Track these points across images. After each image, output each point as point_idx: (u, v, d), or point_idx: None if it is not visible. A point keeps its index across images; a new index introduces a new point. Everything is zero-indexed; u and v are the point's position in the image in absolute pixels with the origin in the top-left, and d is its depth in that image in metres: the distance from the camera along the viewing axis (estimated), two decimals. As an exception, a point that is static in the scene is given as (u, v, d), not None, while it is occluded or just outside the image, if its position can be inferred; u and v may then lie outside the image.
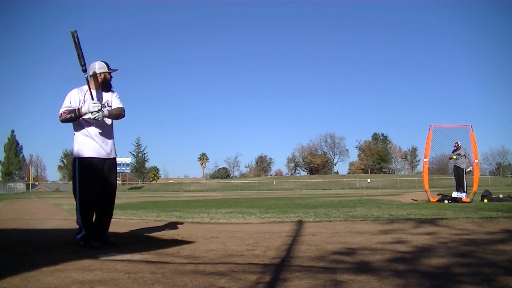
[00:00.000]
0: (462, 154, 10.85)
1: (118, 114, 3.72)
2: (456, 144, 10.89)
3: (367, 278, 2.22)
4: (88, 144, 3.59)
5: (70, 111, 3.48)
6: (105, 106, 3.65)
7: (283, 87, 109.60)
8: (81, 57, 3.48)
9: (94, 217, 3.71)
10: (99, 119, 3.52)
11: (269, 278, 2.26)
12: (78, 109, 3.50)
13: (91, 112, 3.46)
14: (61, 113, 3.48)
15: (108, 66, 3.72)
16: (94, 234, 3.57)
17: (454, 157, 10.91)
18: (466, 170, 10.78)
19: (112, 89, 3.80)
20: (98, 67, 3.67)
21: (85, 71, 3.55)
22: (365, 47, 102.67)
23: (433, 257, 2.81)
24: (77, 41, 3.45)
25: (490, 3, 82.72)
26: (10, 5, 77.71)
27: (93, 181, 3.59)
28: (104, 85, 3.71)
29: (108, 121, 3.72)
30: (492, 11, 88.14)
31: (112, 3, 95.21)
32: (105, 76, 3.69)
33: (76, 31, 3.45)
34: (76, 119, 3.52)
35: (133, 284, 2.15)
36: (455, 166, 11.07)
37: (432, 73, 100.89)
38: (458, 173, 10.90)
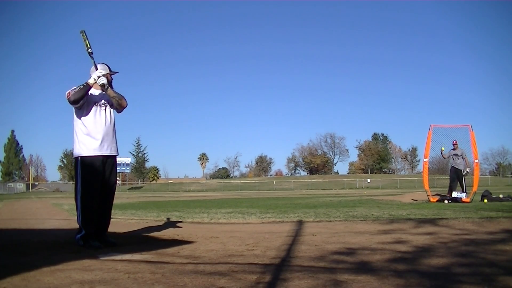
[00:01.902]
0: (459, 154, 10.58)
1: (120, 98, 3.75)
2: (455, 143, 10.65)
3: (367, 278, 2.22)
4: (89, 142, 3.60)
5: (77, 87, 3.54)
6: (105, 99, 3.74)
7: (282, 87, 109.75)
8: (89, 46, 3.72)
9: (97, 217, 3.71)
10: (105, 84, 3.63)
11: (269, 278, 2.26)
12: (86, 82, 3.59)
13: (98, 77, 3.60)
14: (68, 92, 3.52)
15: (109, 68, 3.78)
16: (94, 234, 3.57)
17: (443, 148, 10.69)
18: (464, 172, 10.55)
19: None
20: (100, 68, 3.72)
21: (91, 54, 3.73)
22: (365, 47, 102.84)
23: (433, 257, 2.81)
24: (85, 37, 3.71)
25: (490, 3, 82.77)
26: (10, 5, 77.79)
27: (95, 181, 3.60)
28: (107, 85, 3.73)
29: (109, 117, 3.73)
30: (492, 11, 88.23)
31: (112, 3, 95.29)
32: (106, 77, 3.72)
33: (84, 31, 3.74)
34: (85, 92, 3.56)
35: (133, 284, 2.14)
36: (452, 167, 10.81)
37: (432, 73, 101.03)
38: (457, 174, 10.64)
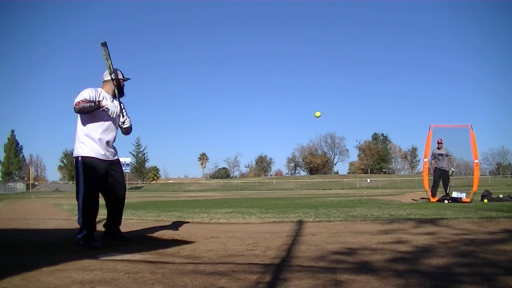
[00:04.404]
0: (444, 153, 10.28)
1: (128, 128, 3.90)
2: (439, 141, 10.29)
3: (367, 278, 2.22)
4: (89, 144, 3.61)
5: (89, 101, 3.51)
6: (123, 112, 3.84)
7: (283, 87, 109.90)
8: (111, 65, 3.71)
9: (108, 214, 3.85)
10: (113, 115, 3.69)
11: (269, 278, 2.26)
12: (98, 101, 3.57)
13: (110, 110, 3.63)
14: (78, 101, 3.48)
15: (122, 74, 3.86)
16: (93, 234, 3.60)
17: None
18: (450, 173, 10.23)
19: (123, 95, 3.91)
20: (105, 73, 3.78)
21: (112, 74, 3.74)
22: (365, 47, 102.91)
23: (433, 257, 2.81)
24: (107, 52, 3.64)
25: (490, 3, 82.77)
26: (10, 5, 77.77)
27: (97, 181, 3.62)
28: (117, 89, 3.79)
29: (113, 123, 3.76)
30: (492, 11, 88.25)
31: (112, 3, 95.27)
32: (119, 82, 3.78)
33: (105, 43, 3.64)
34: (93, 110, 3.54)
35: (133, 284, 2.14)
36: (436, 168, 10.39)
37: (432, 73, 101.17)
38: (442, 175, 10.27)
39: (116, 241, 3.75)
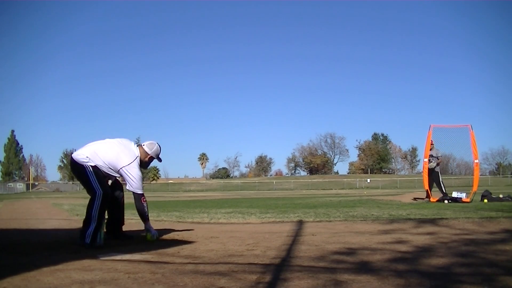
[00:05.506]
0: (434, 155, 10.33)
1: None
2: (431, 142, 10.28)
3: (367, 278, 2.21)
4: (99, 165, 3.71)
5: (147, 211, 3.90)
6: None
7: (283, 87, 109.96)
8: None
9: (108, 215, 3.92)
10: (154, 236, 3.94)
11: (269, 278, 2.26)
12: (148, 220, 3.94)
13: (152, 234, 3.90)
14: (143, 198, 3.83)
15: (158, 155, 4.02)
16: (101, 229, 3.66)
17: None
18: (433, 168, 10.24)
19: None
20: (154, 149, 3.97)
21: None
22: (365, 47, 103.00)
23: (433, 257, 2.81)
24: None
25: (490, 3, 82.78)
26: (10, 5, 77.77)
27: (105, 182, 3.74)
28: (144, 164, 3.97)
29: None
30: (492, 11, 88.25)
31: (112, 3, 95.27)
32: (150, 160, 3.97)
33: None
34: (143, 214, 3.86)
35: (133, 284, 2.14)
36: (429, 169, 10.42)
37: (432, 73, 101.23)
38: (433, 175, 10.34)
39: (120, 240, 3.87)
